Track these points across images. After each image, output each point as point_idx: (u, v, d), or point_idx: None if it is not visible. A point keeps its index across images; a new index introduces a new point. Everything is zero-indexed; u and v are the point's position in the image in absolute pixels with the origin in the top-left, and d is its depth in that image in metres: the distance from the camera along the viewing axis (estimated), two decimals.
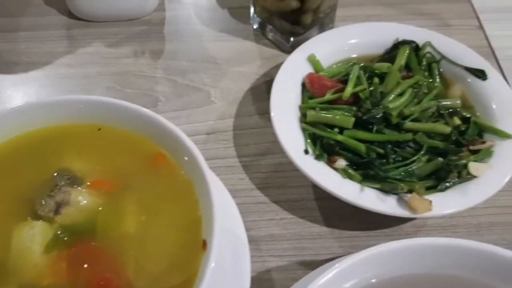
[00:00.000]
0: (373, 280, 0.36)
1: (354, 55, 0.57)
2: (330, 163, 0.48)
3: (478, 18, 0.68)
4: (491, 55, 0.64)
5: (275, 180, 0.53)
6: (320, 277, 0.34)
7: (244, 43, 0.65)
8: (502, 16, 0.69)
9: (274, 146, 0.53)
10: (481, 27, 0.67)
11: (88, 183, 0.40)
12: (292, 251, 0.48)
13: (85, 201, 0.39)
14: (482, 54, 0.63)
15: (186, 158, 0.39)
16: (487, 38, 0.66)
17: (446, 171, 0.45)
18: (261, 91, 0.60)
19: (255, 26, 0.66)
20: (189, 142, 0.39)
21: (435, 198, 0.44)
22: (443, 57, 0.55)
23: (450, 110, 0.51)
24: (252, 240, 0.48)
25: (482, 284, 0.37)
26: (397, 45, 0.56)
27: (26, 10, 0.68)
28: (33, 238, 0.36)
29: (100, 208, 0.39)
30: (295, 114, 0.51)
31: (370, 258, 0.36)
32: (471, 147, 0.48)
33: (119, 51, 0.64)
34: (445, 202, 0.44)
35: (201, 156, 0.38)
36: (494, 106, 0.51)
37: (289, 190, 0.52)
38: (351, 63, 0.55)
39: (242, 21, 0.67)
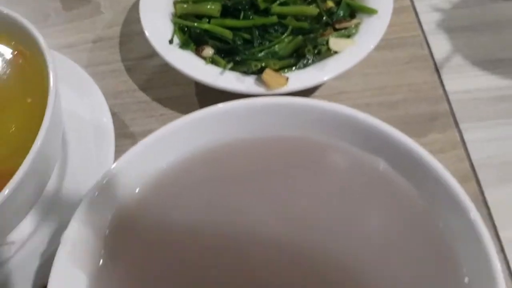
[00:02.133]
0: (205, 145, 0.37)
1: None
2: (199, 52, 0.48)
3: None
4: None
5: (160, 81, 0.53)
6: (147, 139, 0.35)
7: None
8: None
9: None
10: None
11: None
12: None
13: None
14: None
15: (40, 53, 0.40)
16: None
17: (305, 48, 0.45)
18: None
19: None
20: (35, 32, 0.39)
21: (293, 75, 0.44)
22: None
23: None
24: (128, 136, 0.49)
25: (329, 145, 0.36)
26: None
27: None
28: None
29: None
30: (169, 10, 0.51)
31: (198, 121, 0.36)
32: (337, 26, 0.47)
33: None
34: (302, 78, 0.44)
35: (46, 46, 0.39)
36: None
37: (172, 88, 0.52)
38: None
39: None
